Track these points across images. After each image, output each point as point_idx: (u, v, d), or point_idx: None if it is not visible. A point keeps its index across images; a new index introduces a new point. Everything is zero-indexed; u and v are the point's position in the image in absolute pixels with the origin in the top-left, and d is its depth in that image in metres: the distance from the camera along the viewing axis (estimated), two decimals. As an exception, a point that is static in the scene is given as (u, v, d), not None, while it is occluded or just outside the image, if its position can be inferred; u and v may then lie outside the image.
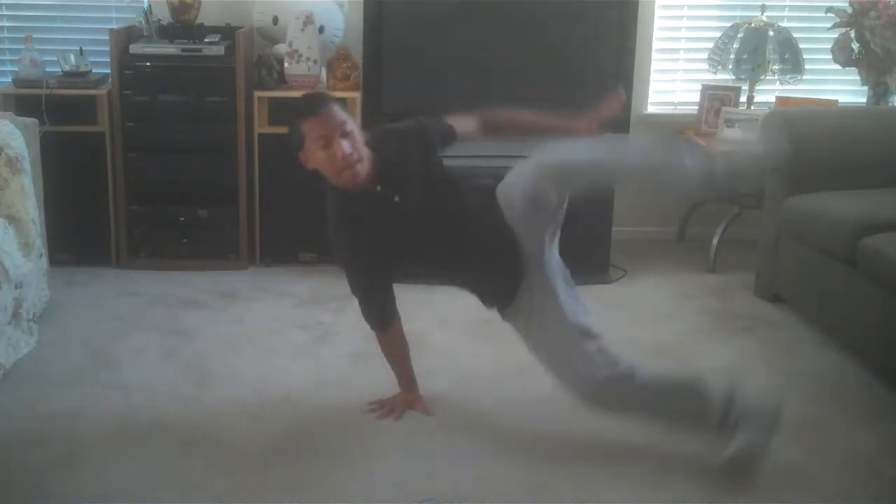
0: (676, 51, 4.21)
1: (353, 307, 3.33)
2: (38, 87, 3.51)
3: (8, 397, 2.61)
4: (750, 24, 3.91)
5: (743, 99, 4.02)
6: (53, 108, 3.50)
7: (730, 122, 3.91)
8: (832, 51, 3.94)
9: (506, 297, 2.40)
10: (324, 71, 3.78)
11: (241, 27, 3.71)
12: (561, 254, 3.79)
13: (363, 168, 2.29)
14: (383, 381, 2.72)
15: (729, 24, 3.99)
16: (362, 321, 3.23)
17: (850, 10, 3.88)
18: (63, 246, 3.54)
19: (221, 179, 3.67)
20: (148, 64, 3.54)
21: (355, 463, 2.33)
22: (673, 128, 4.15)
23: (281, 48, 3.74)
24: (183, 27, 3.69)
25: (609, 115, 2.54)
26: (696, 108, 4.10)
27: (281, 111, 3.64)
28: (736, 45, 3.91)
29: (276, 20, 3.80)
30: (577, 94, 3.75)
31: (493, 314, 2.51)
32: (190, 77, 3.55)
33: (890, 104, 3.92)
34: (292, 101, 2.53)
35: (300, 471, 2.29)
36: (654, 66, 4.16)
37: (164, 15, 3.74)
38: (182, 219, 3.68)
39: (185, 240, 3.70)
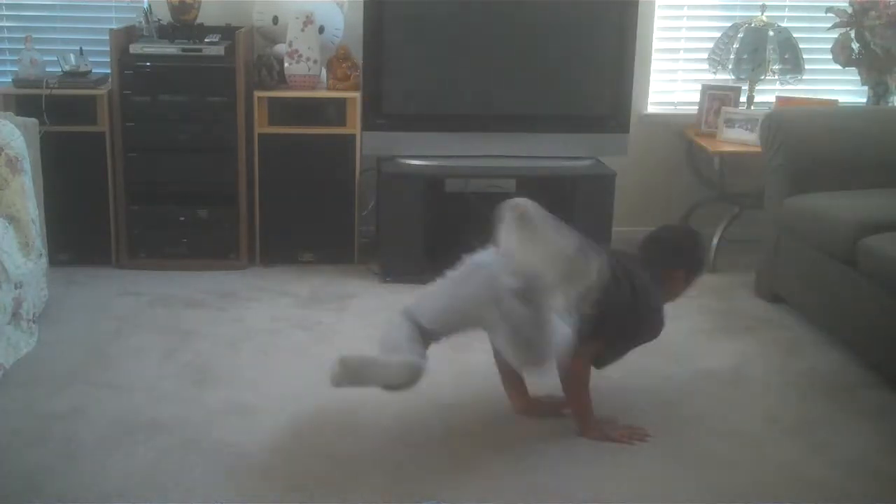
0: (676, 51, 4.21)
1: (353, 307, 3.36)
2: (38, 87, 3.51)
3: (8, 397, 2.61)
4: (750, 24, 3.91)
5: (743, 99, 4.02)
6: (53, 108, 3.50)
7: (730, 122, 3.92)
8: (832, 51, 3.94)
9: None
10: (324, 71, 3.78)
11: (241, 27, 3.71)
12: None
13: None
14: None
15: (729, 24, 3.99)
16: (362, 321, 3.24)
17: (850, 10, 3.88)
18: (63, 246, 3.54)
19: (221, 179, 3.67)
20: (148, 64, 3.54)
21: (355, 463, 2.33)
22: (673, 128, 4.17)
23: (281, 48, 3.74)
24: (183, 27, 3.69)
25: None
26: (696, 108, 4.10)
27: (281, 111, 3.65)
28: (736, 45, 3.91)
29: (276, 20, 3.80)
30: (576, 93, 3.76)
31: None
32: (190, 77, 3.55)
33: (890, 104, 3.92)
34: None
35: (300, 471, 2.28)
36: (654, 66, 4.16)
37: (164, 15, 3.74)
38: (182, 219, 3.68)
39: (185, 240, 3.70)
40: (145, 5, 3.71)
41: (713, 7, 4.17)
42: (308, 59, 3.66)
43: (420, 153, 3.64)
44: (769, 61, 3.87)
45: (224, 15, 3.85)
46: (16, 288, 2.85)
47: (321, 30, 3.76)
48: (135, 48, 3.54)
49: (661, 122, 4.19)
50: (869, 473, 2.35)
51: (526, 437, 2.48)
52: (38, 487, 2.18)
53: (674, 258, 2.62)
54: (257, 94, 3.62)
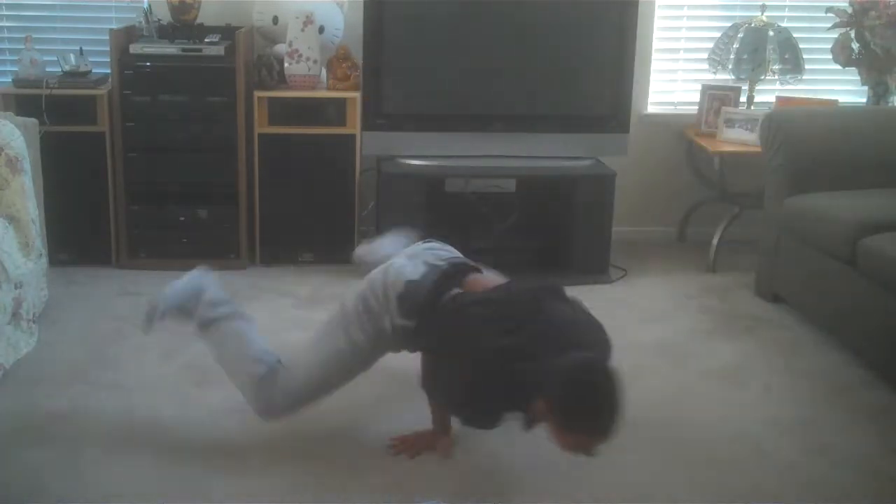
0: (676, 51, 4.21)
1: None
2: (38, 87, 3.51)
3: (8, 397, 2.61)
4: (750, 24, 3.91)
5: (743, 99, 4.02)
6: (53, 108, 3.50)
7: (730, 122, 3.92)
8: (832, 51, 3.94)
9: None
10: (324, 71, 3.78)
11: (241, 27, 3.71)
12: (561, 253, 3.83)
13: None
14: (382, 381, 2.72)
15: (729, 24, 3.99)
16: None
17: (850, 10, 3.88)
18: (63, 246, 3.54)
19: (221, 179, 3.67)
20: (148, 64, 3.54)
21: (355, 463, 2.33)
22: (673, 128, 4.17)
23: (281, 48, 3.74)
24: (183, 27, 3.69)
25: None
26: (696, 108, 4.10)
27: (281, 111, 3.65)
28: (736, 45, 3.91)
29: (276, 20, 3.80)
30: (576, 93, 3.76)
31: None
32: (190, 77, 3.55)
33: (890, 104, 3.92)
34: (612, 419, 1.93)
35: (300, 471, 2.29)
36: (654, 66, 4.16)
37: (164, 15, 3.74)
38: (182, 219, 3.68)
39: (185, 240, 3.70)
40: (145, 5, 3.71)
41: (713, 7, 4.17)
42: (308, 59, 3.66)
43: (420, 153, 3.65)
44: (769, 61, 3.87)
45: (224, 15, 3.85)
46: (16, 288, 2.85)
47: (321, 30, 3.76)
48: (135, 48, 3.54)
49: (661, 122, 4.19)
50: (869, 473, 2.35)
51: (525, 437, 2.48)
52: (38, 487, 2.18)
53: (540, 378, 1.95)
54: (257, 94, 3.62)
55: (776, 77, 3.95)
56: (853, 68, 3.94)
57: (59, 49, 3.74)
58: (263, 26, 3.85)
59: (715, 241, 3.88)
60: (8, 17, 3.92)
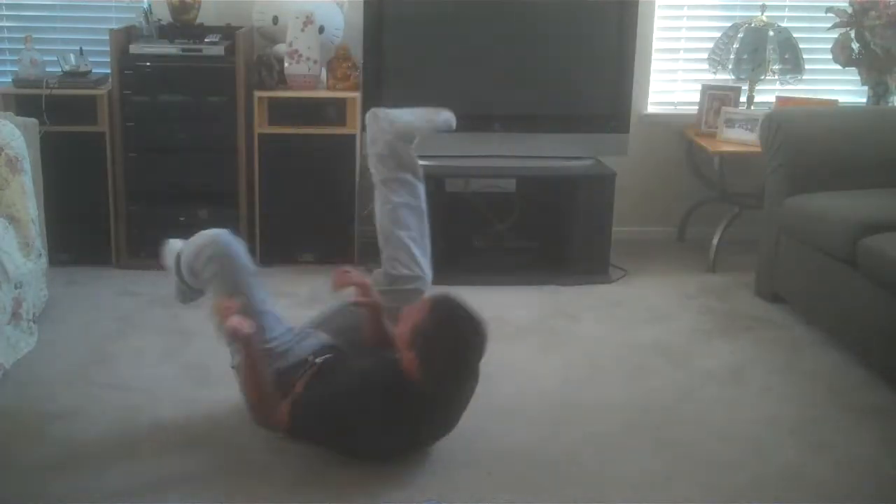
0: (676, 51, 4.21)
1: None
2: (38, 87, 3.51)
3: (8, 397, 2.61)
4: (750, 24, 3.91)
5: (743, 99, 4.02)
6: (53, 108, 3.50)
7: (730, 122, 3.92)
8: (832, 51, 3.94)
9: None
10: (324, 71, 3.78)
11: (241, 27, 3.71)
12: (561, 254, 3.82)
13: None
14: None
15: (729, 24, 3.99)
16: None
17: (850, 10, 3.88)
18: (63, 246, 3.54)
19: (221, 179, 3.67)
20: (148, 64, 3.54)
21: (355, 463, 2.33)
22: (673, 127, 4.17)
23: (281, 48, 3.74)
24: (183, 27, 3.69)
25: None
26: (696, 108, 4.10)
27: (281, 111, 3.65)
28: (736, 45, 3.91)
29: (276, 20, 3.80)
30: (576, 93, 3.76)
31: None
32: (190, 77, 3.55)
33: (890, 104, 3.92)
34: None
35: (300, 471, 2.29)
36: (654, 66, 4.16)
37: (164, 15, 3.75)
38: (182, 219, 3.68)
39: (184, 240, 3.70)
40: (145, 5, 3.71)
41: (713, 7, 4.17)
42: (308, 59, 3.66)
43: (420, 153, 3.63)
44: (769, 61, 3.87)
45: (224, 15, 3.85)
46: (16, 288, 2.85)
47: (321, 30, 3.76)
48: (135, 48, 3.54)
49: (661, 122, 4.19)
50: (869, 473, 2.35)
51: (525, 437, 2.48)
52: (38, 487, 2.18)
53: None
54: (257, 94, 3.62)
55: (776, 77, 3.95)
56: (853, 68, 3.94)
57: (59, 49, 3.74)
58: (263, 26, 3.85)
59: (715, 241, 3.88)
60: (8, 17, 3.92)
